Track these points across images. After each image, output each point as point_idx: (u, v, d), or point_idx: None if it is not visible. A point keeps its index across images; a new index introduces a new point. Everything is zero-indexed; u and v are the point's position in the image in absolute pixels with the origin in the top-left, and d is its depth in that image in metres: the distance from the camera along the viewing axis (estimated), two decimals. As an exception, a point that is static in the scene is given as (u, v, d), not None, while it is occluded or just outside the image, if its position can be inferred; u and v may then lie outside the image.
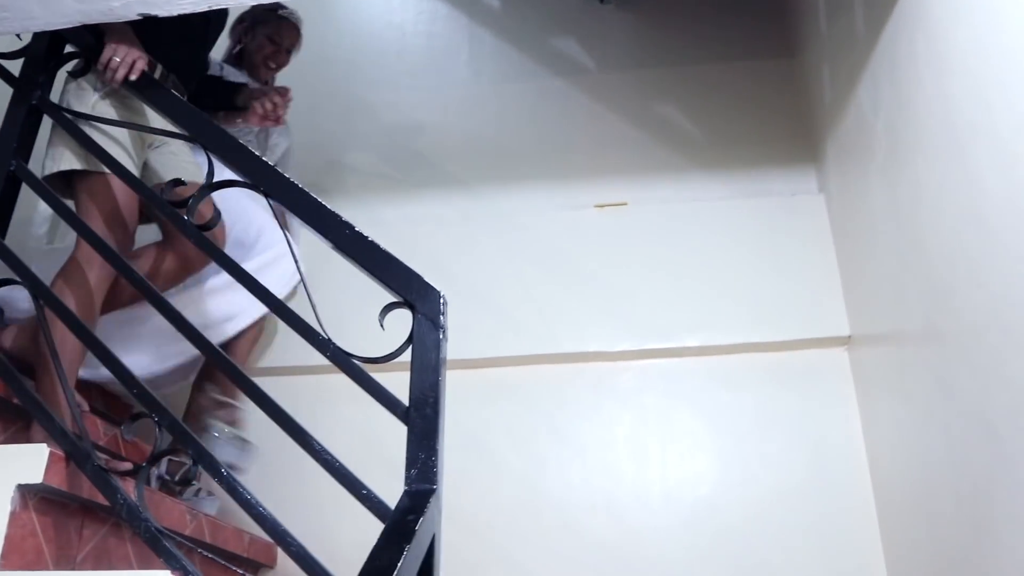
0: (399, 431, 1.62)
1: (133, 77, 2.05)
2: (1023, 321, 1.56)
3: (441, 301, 1.73)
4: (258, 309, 2.48)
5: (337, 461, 1.61)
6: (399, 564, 1.31)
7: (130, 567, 2.01)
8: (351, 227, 1.77)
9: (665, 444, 2.68)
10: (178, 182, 1.92)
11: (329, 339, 1.74)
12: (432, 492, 1.55)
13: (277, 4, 2.84)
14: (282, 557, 2.56)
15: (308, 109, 3.06)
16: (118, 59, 2.04)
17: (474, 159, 3.17)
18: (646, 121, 3.16)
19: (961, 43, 1.76)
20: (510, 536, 2.56)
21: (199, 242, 1.84)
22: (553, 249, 2.91)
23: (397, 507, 1.50)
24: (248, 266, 2.08)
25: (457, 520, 2.21)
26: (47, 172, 2.12)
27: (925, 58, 1.94)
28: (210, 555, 2.02)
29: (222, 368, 1.88)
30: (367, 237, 1.77)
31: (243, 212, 2.54)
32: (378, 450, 2.00)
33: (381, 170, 3.15)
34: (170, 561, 1.57)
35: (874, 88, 2.29)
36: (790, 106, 3.10)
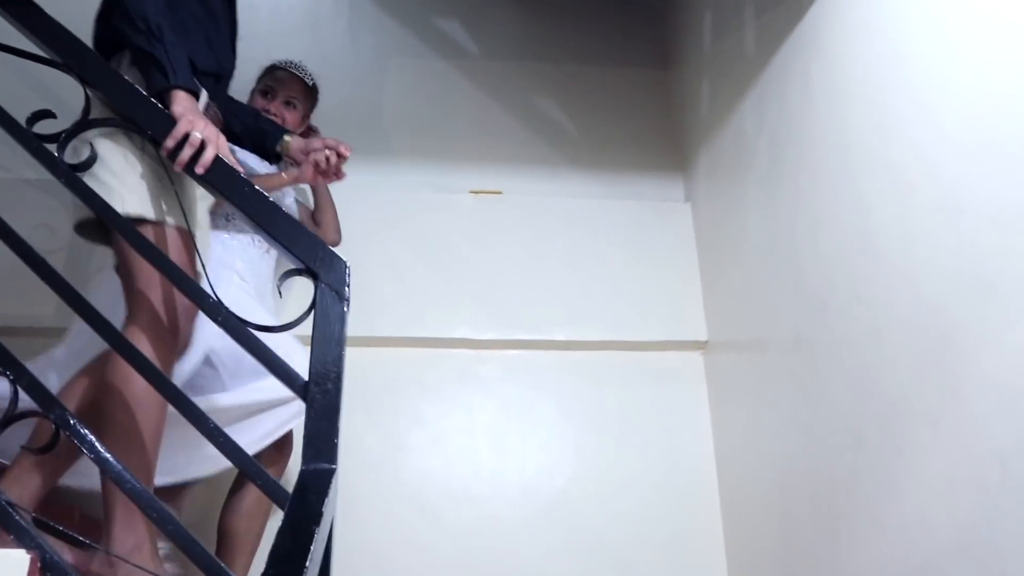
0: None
1: (202, 170, 1.60)
2: (900, 338, 1.68)
3: (347, 271, 1.65)
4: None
5: (232, 442, 1.49)
6: (311, 546, 1.24)
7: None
8: (251, 185, 1.65)
9: (525, 435, 2.69)
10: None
11: (221, 302, 1.61)
12: (333, 472, 1.48)
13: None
14: None
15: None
16: (199, 136, 1.59)
17: (347, 130, 3.04)
18: (525, 113, 3.16)
19: (859, 72, 1.88)
20: (367, 521, 2.48)
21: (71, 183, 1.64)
22: (424, 231, 2.85)
23: (298, 486, 1.42)
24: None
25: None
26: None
27: (819, 83, 2.05)
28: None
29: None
30: (268, 198, 1.65)
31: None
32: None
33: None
34: (22, 538, 1.40)
35: (760, 106, 2.40)
36: (663, 117, 3.19)
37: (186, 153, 1.58)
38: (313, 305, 1.61)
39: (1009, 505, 1.36)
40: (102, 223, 1.67)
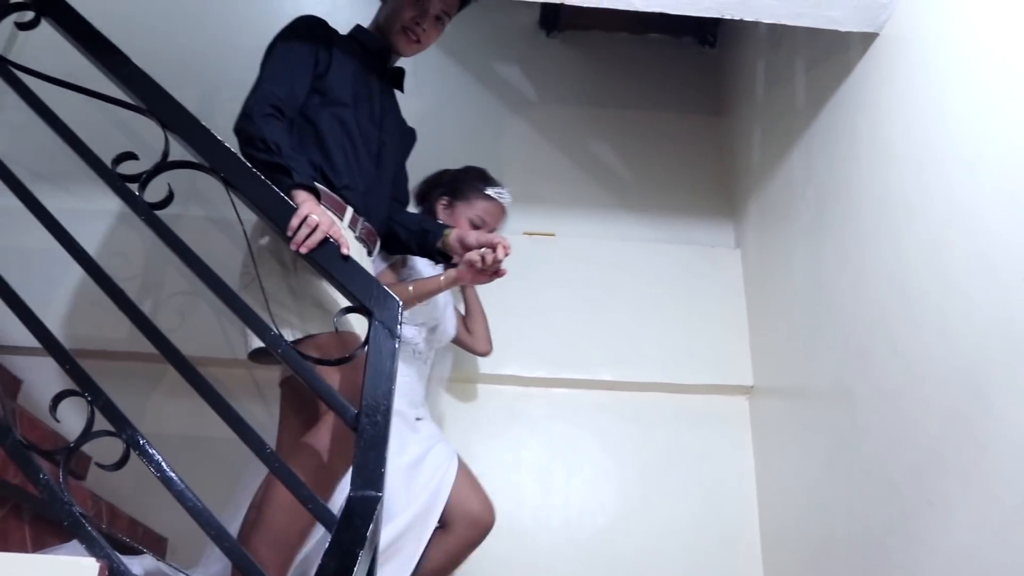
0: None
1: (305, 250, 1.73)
2: (935, 391, 1.71)
3: (399, 311, 1.74)
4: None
5: (286, 467, 1.59)
6: (355, 568, 1.32)
7: (24, 550, 1.92)
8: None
9: (570, 472, 2.75)
10: None
11: (281, 335, 1.72)
12: (379, 499, 1.55)
13: (484, 178, 2.56)
14: (171, 552, 2.49)
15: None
16: (315, 219, 1.73)
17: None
18: (579, 156, 3.25)
19: (902, 129, 1.92)
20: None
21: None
22: (479, 269, 2.94)
23: (345, 512, 1.50)
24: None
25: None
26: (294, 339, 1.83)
27: (865, 138, 2.10)
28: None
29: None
30: (329, 239, 1.76)
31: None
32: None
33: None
34: (92, 547, 1.51)
35: (808, 157, 2.45)
36: (716, 162, 3.26)
37: (302, 233, 1.72)
38: (367, 341, 1.71)
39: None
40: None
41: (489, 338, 2.69)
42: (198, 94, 2.96)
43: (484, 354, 2.68)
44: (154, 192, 1.77)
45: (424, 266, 2.42)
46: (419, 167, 3.10)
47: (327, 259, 1.77)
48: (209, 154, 1.80)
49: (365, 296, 1.74)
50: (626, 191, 3.21)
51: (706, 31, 3.45)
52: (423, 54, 2.33)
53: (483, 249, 2.09)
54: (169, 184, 1.78)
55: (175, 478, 1.58)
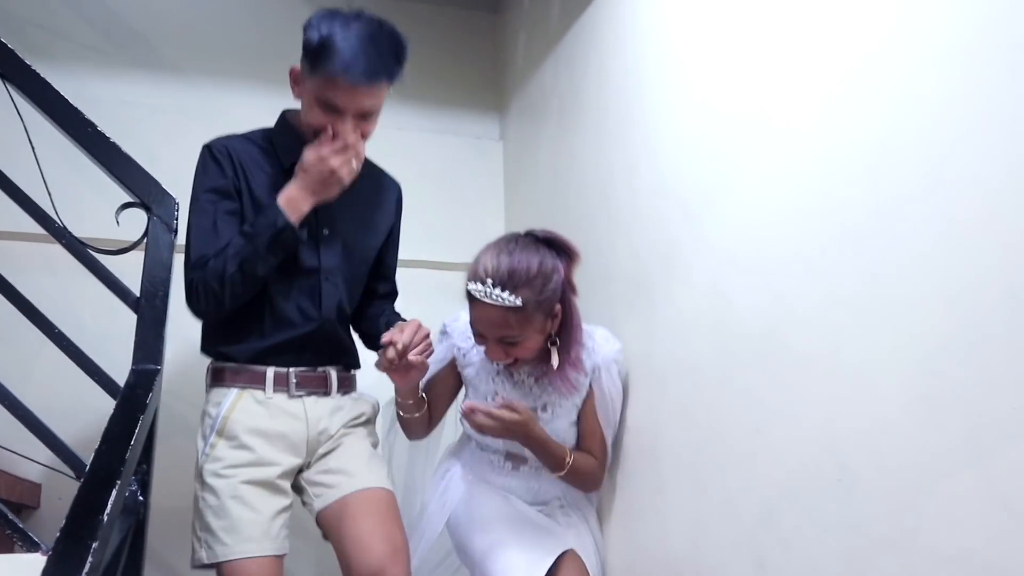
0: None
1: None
2: (622, 272, 2.17)
3: (175, 207, 1.97)
4: None
5: (73, 344, 1.82)
6: (135, 430, 1.61)
7: None
8: (93, 125, 1.92)
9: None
10: None
11: (65, 227, 1.91)
12: (158, 371, 1.83)
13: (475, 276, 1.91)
14: (45, 499, 2.60)
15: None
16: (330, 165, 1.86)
17: (192, 49, 3.24)
18: (360, 44, 3.42)
19: (623, 63, 2.30)
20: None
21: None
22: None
23: (128, 383, 1.77)
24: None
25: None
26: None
27: (595, 65, 2.47)
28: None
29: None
30: (109, 138, 1.93)
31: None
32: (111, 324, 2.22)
33: (98, 44, 3.10)
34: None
35: (555, 70, 2.80)
36: (488, 58, 3.54)
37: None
38: (147, 233, 1.94)
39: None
40: None
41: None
42: None
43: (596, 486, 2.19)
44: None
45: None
46: (201, 46, 3.18)
47: (106, 156, 1.93)
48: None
49: (144, 193, 1.95)
50: (402, 82, 3.43)
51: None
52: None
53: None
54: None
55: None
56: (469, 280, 1.88)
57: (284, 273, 1.91)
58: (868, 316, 1.31)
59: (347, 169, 1.88)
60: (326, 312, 1.98)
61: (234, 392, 1.89)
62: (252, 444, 1.85)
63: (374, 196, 2.17)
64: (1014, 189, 1.08)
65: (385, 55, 1.89)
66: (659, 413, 1.96)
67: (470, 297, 1.89)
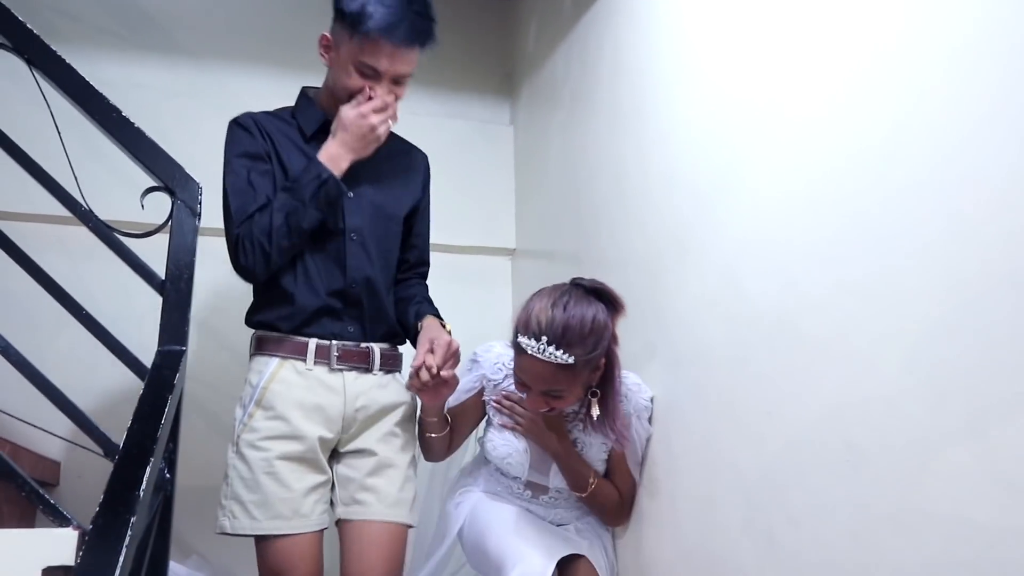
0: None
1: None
2: (640, 259, 2.21)
3: (199, 191, 2.01)
4: None
5: (101, 326, 1.87)
6: (165, 409, 1.66)
7: None
8: (119, 111, 1.96)
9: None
10: None
11: (91, 210, 1.96)
12: (183, 352, 1.88)
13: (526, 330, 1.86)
14: (64, 476, 2.68)
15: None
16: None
17: (206, 32, 3.27)
18: (372, 29, 3.45)
19: (637, 53, 2.33)
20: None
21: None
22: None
23: (155, 363, 1.82)
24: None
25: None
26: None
27: (608, 55, 2.50)
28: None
29: None
30: (134, 124, 1.97)
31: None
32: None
33: (112, 27, 3.13)
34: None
35: (567, 59, 2.84)
36: (500, 43, 3.57)
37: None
38: (171, 217, 1.98)
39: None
40: None
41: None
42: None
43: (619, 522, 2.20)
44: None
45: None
46: (214, 29, 3.21)
47: (131, 141, 1.97)
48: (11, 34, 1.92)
49: (168, 177, 1.99)
50: (417, 66, 3.46)
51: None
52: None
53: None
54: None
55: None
56: (521, 333, 1.85)
57: (312, 239, 1.97)
58: (876, 303, 1.36)
59: (385, 127, 1.96)
60: (352, 271, 2.00)
61: (275, 361, 1.94)
62: (289, 416, 1.89)
63: (401, 163, 2.20)
64: (1019, 183, 1.12)
65: (424, 18, 1.96)
66: (672, 396, 2.01)
67: (518, 348, 1.87)
